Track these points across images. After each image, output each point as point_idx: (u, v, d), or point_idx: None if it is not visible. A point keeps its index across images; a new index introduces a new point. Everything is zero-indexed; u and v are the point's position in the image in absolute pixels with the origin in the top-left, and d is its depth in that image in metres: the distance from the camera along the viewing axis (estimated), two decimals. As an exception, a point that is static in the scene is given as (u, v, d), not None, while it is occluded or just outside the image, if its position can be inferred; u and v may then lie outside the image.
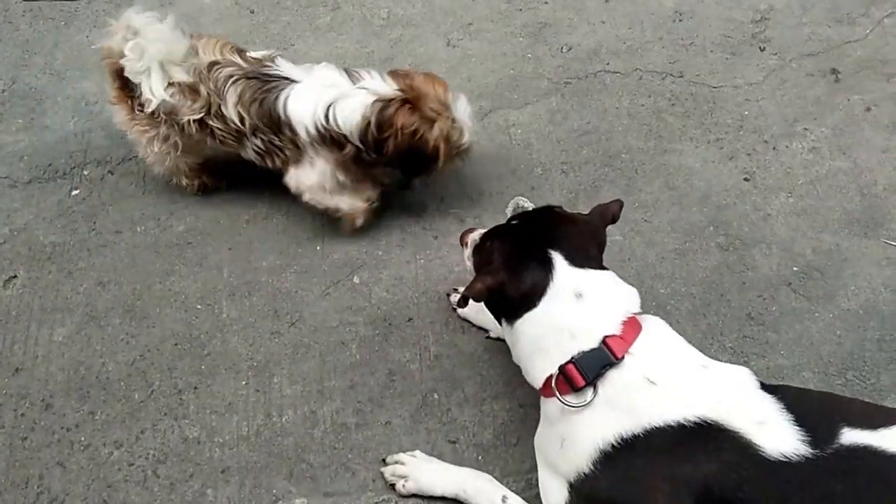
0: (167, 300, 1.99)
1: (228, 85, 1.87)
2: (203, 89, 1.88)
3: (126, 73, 1.85)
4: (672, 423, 1.29)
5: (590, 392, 1.35)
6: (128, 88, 1.92)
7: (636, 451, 1.30)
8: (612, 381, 1.35)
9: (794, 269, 1.97)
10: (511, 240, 1.52)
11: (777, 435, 1.26)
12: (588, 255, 1.46)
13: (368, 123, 1.83)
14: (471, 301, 2.01)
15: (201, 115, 1.91)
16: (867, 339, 1.85)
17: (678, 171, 2.14)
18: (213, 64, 1.89)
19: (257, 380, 1.86)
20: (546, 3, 2.49)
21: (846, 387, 1.78)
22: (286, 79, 1.88)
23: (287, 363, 1.88)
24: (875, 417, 1.28)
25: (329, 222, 2.11)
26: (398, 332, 1.92)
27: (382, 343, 1.91)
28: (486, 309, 1.91)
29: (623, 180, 2.14)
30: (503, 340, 1.90)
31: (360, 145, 1.86)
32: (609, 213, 1.56)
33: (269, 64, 1.91)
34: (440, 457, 1.73)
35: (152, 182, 2.20)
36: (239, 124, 1.89)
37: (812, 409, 1.31)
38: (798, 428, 1.26)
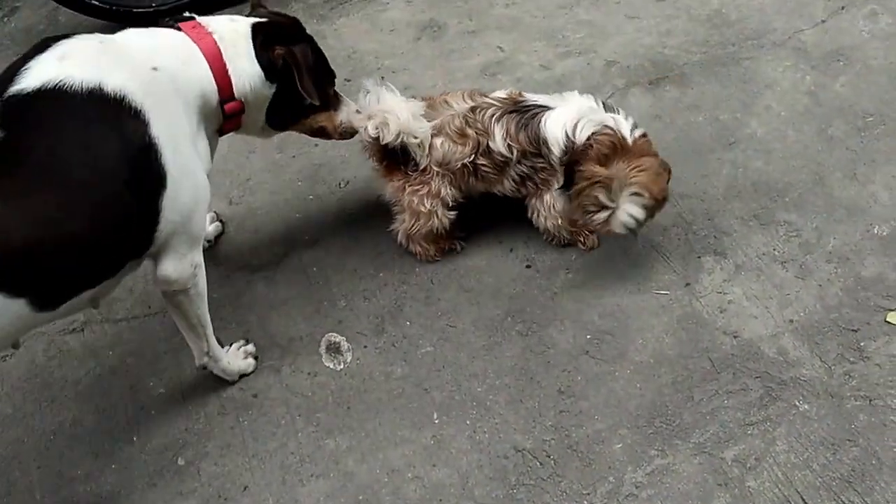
0: (-29, 548, 1.82)
1: (493, 122, 2.11)
2: (470, 131, 2.11)
3: (387, 143, 2.07)
4: None
5: None
6: (393, 161, 2.15)
7: None
8: None
9: (588, 336, 2.13)
10: None
11: None
12: None
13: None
14: None
15: (472, 157, 2.12)
16: (663, 385, 2.02)
17: (468, 273, 2.29)
18: (473, 108, 2.14)
19: None
20: (316, 145, 2.63)
21: (657, 434, 1.93)
22: (543, 106, 2.13)
23: (116, 576, 1.77)
24: None
25: (146, 407, 2.06)
26: (233, 504, 1.87)
27: (219, 522, 1.84)
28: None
29: (422, 293, 2.25)
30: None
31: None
32: None
33: (521, 98, 2.17)
34: None
35: (-63, 419, 2.04)
36: (507, 154, 2.11)
37: None
38: None
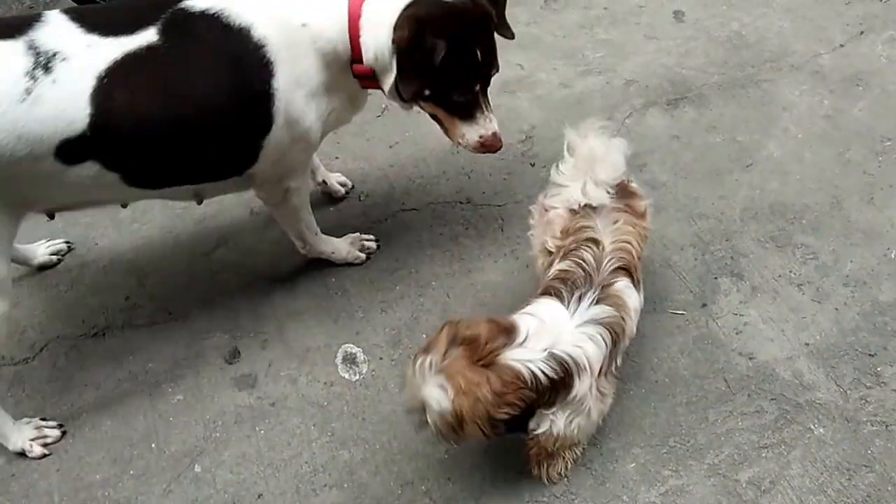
0: (-10, 547, 1.84)
1: (561, 254, 1.90)
2: (569, 240, 1.90)
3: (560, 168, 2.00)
4: None
5: None
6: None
7: None
8: None
9: (603, 355, 2.14)
10: None
11: None
12: None
13: None
14: None
15: (554, 249, 1.94)
16: (678, 405, 2.03)
17: (485, 287, 2.31)
18: (589, 240, 1.88)
19: None
20: (336, 158, 2.67)
21: (671, 454, 1.94)
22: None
23: (130, 582, 1.78)
24: None
25: (165, 414, 2.09)
26: (247, 513, 1.89)
27: (232, 530, 1.86)
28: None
29: (438, 307, 2.27)
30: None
31: None
32: None
33: (586, 287, 1.79)
34: None
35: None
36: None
37: None
38: None
